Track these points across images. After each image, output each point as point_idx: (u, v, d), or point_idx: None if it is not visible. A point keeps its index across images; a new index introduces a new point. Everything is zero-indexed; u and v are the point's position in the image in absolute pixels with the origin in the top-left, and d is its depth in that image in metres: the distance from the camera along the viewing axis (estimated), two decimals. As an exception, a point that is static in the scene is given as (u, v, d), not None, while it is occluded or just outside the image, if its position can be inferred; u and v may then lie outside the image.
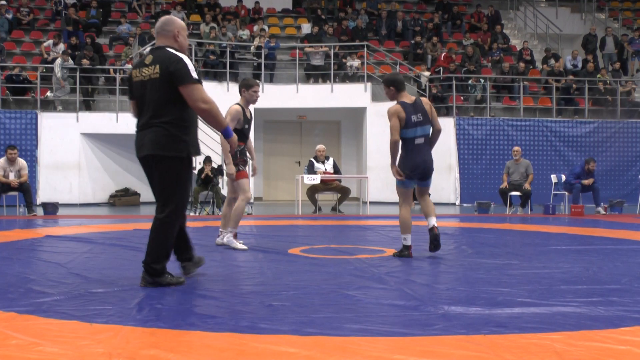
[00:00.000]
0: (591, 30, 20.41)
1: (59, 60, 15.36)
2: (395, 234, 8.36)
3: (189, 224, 10.02)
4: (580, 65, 18.80)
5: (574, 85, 17.45)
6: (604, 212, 12.73)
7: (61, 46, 16.32)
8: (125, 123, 14.60)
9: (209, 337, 3.12)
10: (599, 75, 17.93)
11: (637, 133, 16.81)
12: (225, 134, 4.51)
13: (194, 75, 4.26)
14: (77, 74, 15.22)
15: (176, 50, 4.44)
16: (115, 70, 15.41)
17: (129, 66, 15.56)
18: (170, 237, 4.43)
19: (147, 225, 9.57)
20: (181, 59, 4.30)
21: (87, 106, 15.58)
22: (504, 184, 12.86)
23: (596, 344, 3.00)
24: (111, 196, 15.51)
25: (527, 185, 12.71)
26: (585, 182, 12.75)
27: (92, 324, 3.36)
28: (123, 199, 15.43)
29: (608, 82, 17.89)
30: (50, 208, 12.20)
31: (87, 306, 3.81)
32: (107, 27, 18.80)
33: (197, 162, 14.37)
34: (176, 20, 4.59)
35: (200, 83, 4.32)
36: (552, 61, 18.32)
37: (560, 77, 17.71)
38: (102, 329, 3.25)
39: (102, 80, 16.39)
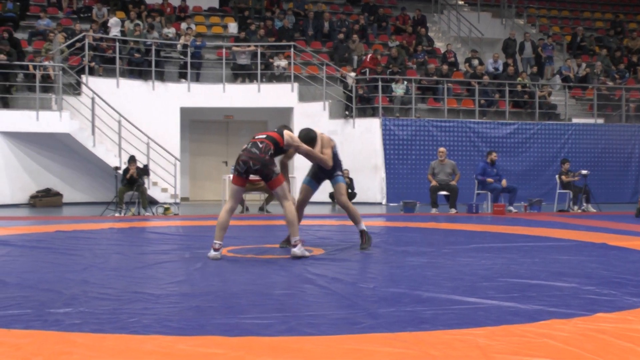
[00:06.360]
0: (511, 35, 21.06)
1: (-27, 56, 14.71)
2: (321, 233, 8.42)
3: (115, 224, 9.86)
4: (501, 68, 19.36)
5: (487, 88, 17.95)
6: (515, 211, 13.10)
7: (-24, 41, 15.63)
8: (46, 122, 14.12)
9: (134, 340, 3.06)
10: (519, 79, 18.53)
11: (554, 134, 17.47)
12: None
13: None
14: (-7, 70, 14.62)
15: None
16: (34, 67, 14.90)
17: (48, 62, 15.07)
18: None
19: (70, 227, 9.28)
20: None
21: (5, 104, 14.99)
22: (434, 182, 13.05)
23: (516, 338, 3.11)
24: (31, 197, 14.95)
25: (453, 182, 13.00)
26: (489, 179, 13.16)
27: (10, 330, 3.24)
28: (44, 199, 14.90)
29: (527, 85, 18.51)
30: (-35, 210, 11.69)
31: (5, 311, 3.67)
32: (26, 21, 18.14)
33: (122, 162, 14.05)
34: None
35: None
36: (476, 62, 18.80)
37: (481, 79, 18.17)
38: (21, 335, 3.14)
39: (20, 77, 15.80)
